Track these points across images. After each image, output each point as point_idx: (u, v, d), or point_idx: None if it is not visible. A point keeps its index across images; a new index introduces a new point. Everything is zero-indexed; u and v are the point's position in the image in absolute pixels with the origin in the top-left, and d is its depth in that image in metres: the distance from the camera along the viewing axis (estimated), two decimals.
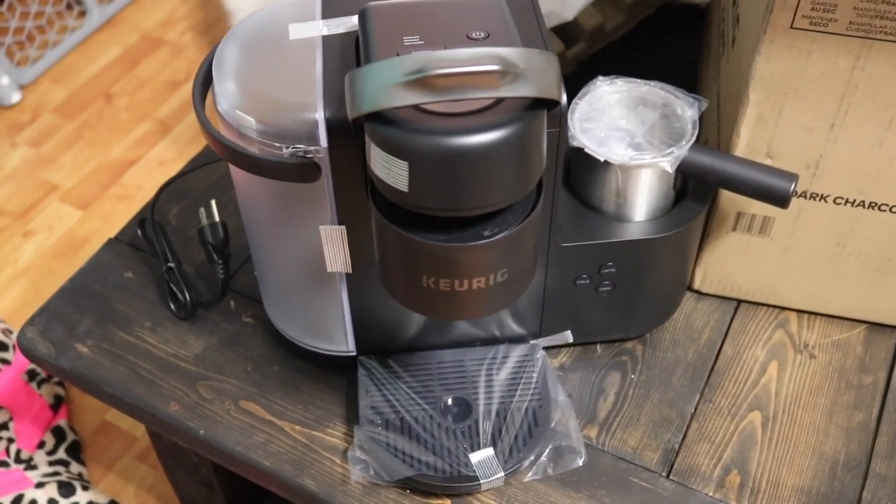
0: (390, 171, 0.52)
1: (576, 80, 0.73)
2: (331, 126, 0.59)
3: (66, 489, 1.15)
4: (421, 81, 0.48)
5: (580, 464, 0.72)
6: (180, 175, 0.91)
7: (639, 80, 0.73)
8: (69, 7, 1.96)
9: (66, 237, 1.56)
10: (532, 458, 0.71)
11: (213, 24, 1.95)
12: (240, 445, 0.75)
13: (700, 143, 0.82)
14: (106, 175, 1.66)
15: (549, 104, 0.53)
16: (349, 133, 0.56)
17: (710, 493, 0.71)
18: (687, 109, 0.70)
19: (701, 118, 0.70)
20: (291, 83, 0.61)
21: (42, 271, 1.50)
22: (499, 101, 0.52)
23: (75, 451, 1.24)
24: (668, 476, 0.72)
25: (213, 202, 0.85)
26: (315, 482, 0.72)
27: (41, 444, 1.22)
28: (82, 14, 1.96)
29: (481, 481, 0.69)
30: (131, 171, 1.66)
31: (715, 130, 0.79)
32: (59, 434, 1.24)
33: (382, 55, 0.55)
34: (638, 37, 1.03)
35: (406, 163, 0.51)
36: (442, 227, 0.55)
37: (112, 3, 1.97)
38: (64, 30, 1.92)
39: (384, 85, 0.49)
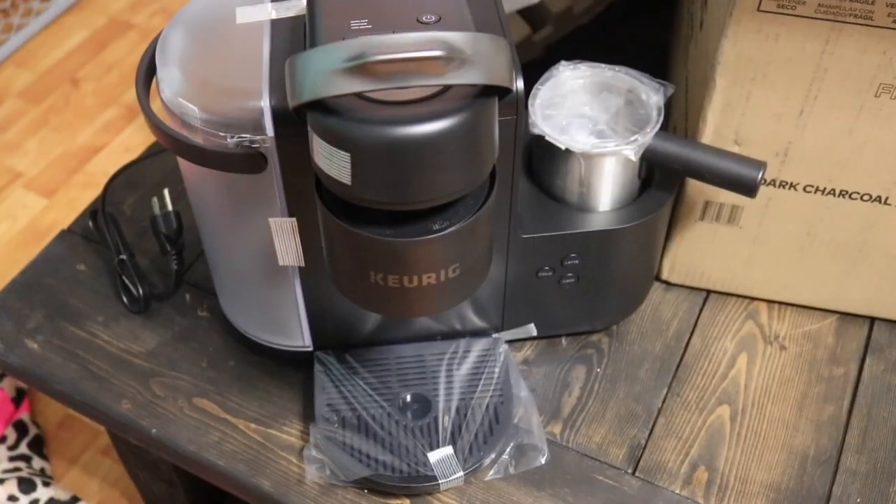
0: (332, 162, 0.49)
1: (544, 66, 0.71)
2: (277, 114, 0.56)
3: (27, 485, 1.12)
4: (361, 68, 0.46)
5: (542, 461, 0.70)
6: (132, 164, 0.88)
7: (603, 65, 0.70)
8: None
9: (30, 226, 1.53)
10: (493, 456, 0.69)
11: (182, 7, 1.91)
12: (193, 444, 0.72)
13: (669, 129, 0.80)
14: (72, 161, 1.63)
15: (500, 91, 0.51)
16: (296, 122, 0.53)
17: (677, 491, 0.70)
18: (652, 95, 0.68)
19: (670, 104, 0.68)
20: (236, 69, 0.58)
21: (5, 261, 1.47)
22: (447, 88, 0.49)
23: (38, 445, 1.21)
24: (633, 473, 0.70)
25: (166, 191, 0.82)
26: (270, 482, 0.70)
27: (2, 439, 1.19)
28: None
29: (440, 481, 0.67)
30: (98, 158, 1.63)
31: (683, 117, 0.77)
32: (21, 428, 1.21)
33: (328, 40, 0.52)
34: (608, 20, 1.00)
35: (348, 154, 0.48)
36: (389, 221, 0.52)
37: None
38: (29, 13, 1.88)
39: (324, 72, 0.47)
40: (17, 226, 1.53)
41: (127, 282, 0.80)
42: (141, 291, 0.79)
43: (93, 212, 0.85)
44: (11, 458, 1.17)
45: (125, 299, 0.81)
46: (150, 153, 0.92)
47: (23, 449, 1.19)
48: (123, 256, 0.81)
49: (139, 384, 0.76)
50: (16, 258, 1.47)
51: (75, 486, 1.20)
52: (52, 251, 0.86)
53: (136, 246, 0.85)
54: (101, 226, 0.83)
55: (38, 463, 1.19)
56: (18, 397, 1.24)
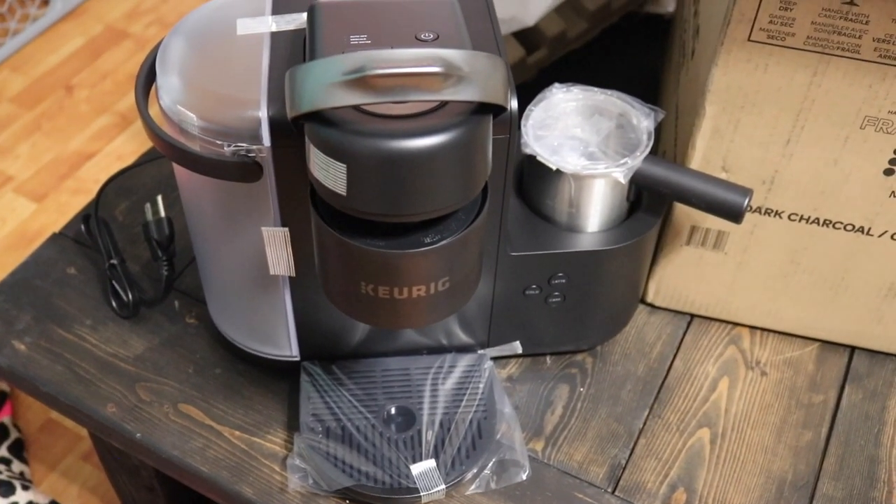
0: (328, 173, 0.50)
1: (536, 87, 0.72)
2: (274, 125, 0.57)
3: (6, 488, 1.12)
4: (360, 81, 0.47)
5: (524, 478, 0.70)
6: (127, 169, 0.88)
7: (595, 89, 0.71)
8: None
9: (18, 229, 1.53)
10: (475, 470, 0.69)
11: (179, 18, 1.92)
12: (177, 450, 0.73)
13: (658, 154, 0.81)
14: (63, 167, 1.63)
15: (495, 109, 0.52)
16: (293, 132, 0.54)
17: None
18: (643, 120, 0.69)
19: (660, 130, 0.69)
20: (236, 79, 0.59)
21: None
22: (443, 104, 0.50)
23: (18, 448, 1.21)
24: (613, 492, 0.71)
25: (160, 197, 0.83)
26: (252, 490, 0.70)
27: None
28: (45, 3, 1.92)
29: (422, 494, 0.67)
30: (89, 165, 1.63)
31: (672, 142, 0.78)
32: (1, 431, 1.21)
33: (327, 53, 0.53)
34: (601, 45, 1.02)
35: (344, 165, 0.49)
36: (382, 233, 0.53)
37: None
38: (26, 18, 1.88)
39: (323, 84, 0.48)
40: (6, 229, 1.52)
41: (117, 286, 0.81)
42: (130, 296, 0.79)
43: (85, 216, 0.85)
44: None
45: (114, 304, 0.81)
46: (145, 160, 0.92)
47: (3, 452, 1.19)
48: (114, 261, 0.81)
49: (125, 388, 0.76)
50: (2, 261, 1.47)
51: (55, 490, 1.19)
52: (42, 254, 0.86)
53: (127, 252, 0.85)
54: (93, 230, 0.84)
55: (17, 466, 1.18)
56: (0, 400, 1.23)
